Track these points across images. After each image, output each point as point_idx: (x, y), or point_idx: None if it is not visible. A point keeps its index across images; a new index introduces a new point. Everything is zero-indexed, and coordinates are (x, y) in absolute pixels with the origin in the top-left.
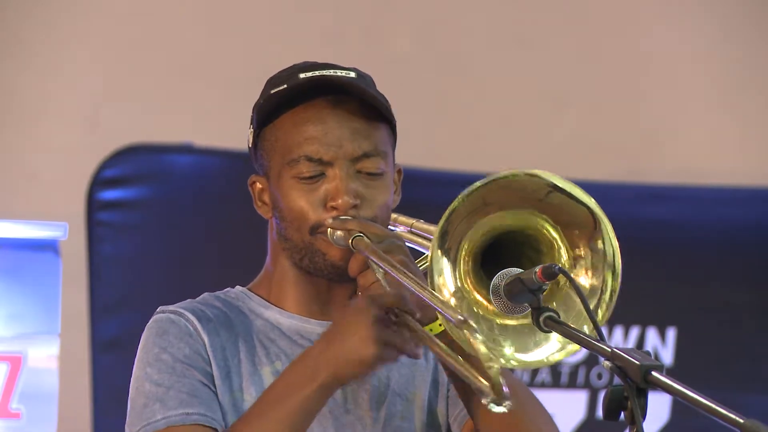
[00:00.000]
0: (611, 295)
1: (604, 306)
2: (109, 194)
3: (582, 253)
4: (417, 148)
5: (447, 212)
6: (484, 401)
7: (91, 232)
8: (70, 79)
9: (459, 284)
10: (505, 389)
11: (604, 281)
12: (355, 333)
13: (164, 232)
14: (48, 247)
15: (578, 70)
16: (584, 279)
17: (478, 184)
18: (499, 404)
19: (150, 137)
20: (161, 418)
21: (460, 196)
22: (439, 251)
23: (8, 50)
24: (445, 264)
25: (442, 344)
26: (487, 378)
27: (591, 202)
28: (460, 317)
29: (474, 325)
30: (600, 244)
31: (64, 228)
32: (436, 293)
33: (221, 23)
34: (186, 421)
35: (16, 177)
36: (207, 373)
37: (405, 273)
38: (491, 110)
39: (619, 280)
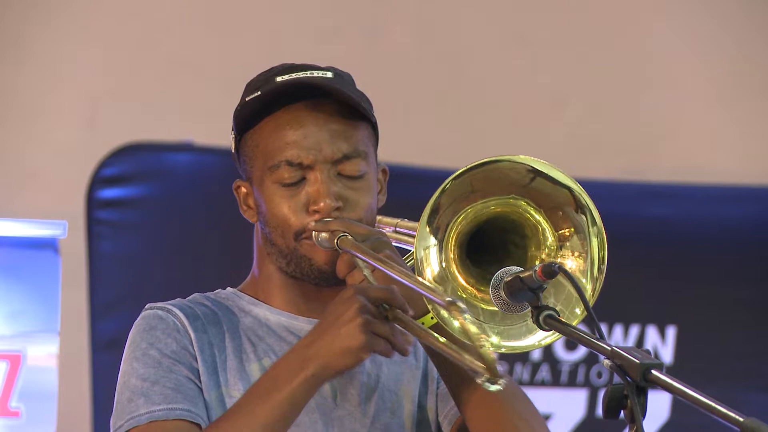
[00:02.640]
0: (600, 267)
1: (594, 282)
2: (109, 193)
3: (567, 233)
4: (416, 146)
5: (438, 190)
6: (478, 381)
7: (91, 230)
8: (69, 77)
9: (444, 266)
10: (500, 368)
11: (591, 258)
12: (343, 323)
13: (164, 230)
14: (47, 245)
15: (578, 68)
16: (571, 261)
17: (468, 166)
18: (494, 383)
19: (149, 136)
20: (145, 412)
21: (450, 177)
22: (428, 228)
23: (8, 49)
24: (432, 242)
25: (433, 332)
26: (480, 358)
27: (572, 183)
28: (447, 299)
29: (462, 305)
30: (584, 220)
31: (63, 226)
32: (422, 279)
33: (220, 22)
34: (169, 416)
35: (15, 175)
36: (193, 369)
37: (391, 265)
38: (491, 108)
39: (606, 248)
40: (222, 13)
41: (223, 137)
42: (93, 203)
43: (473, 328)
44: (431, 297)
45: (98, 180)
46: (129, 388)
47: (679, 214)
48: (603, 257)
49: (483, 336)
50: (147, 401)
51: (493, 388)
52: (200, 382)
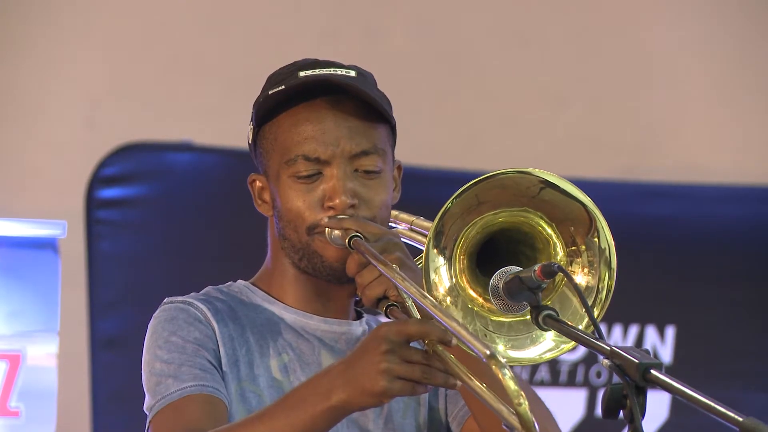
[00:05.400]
0: (607, 294)
1: (599, 304)
2: (109, 192)
3: (577, 249)
4: (416, 146)
5: (440, 213)
6: None
7: (91, 230)
8: (69, 77)
9: (454, 281)
10: (536, 426)
11: (600, 278)
12: (366, 364)
13: (163, 230)
14: (47, 245)
15: (578, 68)
16: (580, 277)
17: (469, 184)
18: None
19: (149, 135)
20: (175, 390)
21: (451, 197)
22: (435, 250)
23: (7, 48)
24: (440, 262)
25: (472, 376)
26: (516, 414)
27: (585, 198)
28: (488, 351)
29: (502, 359)
30: (595, 241)
31: (63, 226)
32: (461, 323)
33: (220, 21)
34: (202, 391)
35: (15, 175)
36: (217, 357)
37: (407, 283)
38: (491, 108)
39: (615, 277)
40: (222, 13)
41: (223, 137)
42: (92, 203)
43: (512, 385)
44: (469, 345)
45: (98, 180)
46: (155, 374)
47: (679, 214)
48: (610, 286)
49: (522, 393)
50: (176, 381)
51: None
52: (223, 371)
